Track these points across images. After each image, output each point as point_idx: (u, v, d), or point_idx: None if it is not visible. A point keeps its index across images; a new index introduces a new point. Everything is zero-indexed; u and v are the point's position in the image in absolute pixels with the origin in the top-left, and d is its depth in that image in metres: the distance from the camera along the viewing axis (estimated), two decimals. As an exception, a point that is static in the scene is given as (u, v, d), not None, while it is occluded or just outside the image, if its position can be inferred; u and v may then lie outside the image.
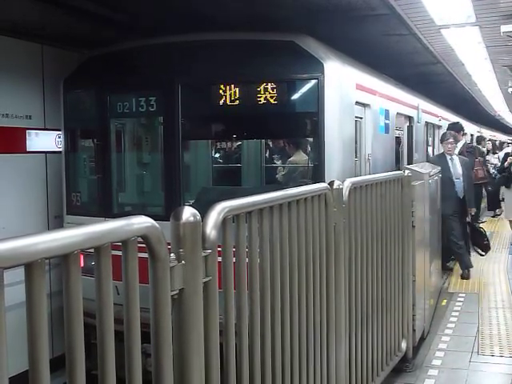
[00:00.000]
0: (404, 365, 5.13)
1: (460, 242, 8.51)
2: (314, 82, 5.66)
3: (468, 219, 8.80)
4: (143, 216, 1.78)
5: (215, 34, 5.91)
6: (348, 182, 3.67)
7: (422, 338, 5.76)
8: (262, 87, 5.64)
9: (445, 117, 13.18)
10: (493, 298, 7.55)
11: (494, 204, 15.18)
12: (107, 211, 6.21)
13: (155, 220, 1.80)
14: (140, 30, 7.03)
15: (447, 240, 8.41)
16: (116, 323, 1.67)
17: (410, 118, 9.60)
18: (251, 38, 5.91)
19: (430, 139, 11.99)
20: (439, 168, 7.81)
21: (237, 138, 7.79)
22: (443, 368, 5.19)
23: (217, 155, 8.71)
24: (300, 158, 7.09)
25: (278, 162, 8.32)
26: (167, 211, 5.23)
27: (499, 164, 12.95)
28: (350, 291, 3.73)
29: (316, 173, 5.76)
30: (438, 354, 5.54)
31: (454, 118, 13.87)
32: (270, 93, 5.64)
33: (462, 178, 8.61)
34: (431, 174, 6.62)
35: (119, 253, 1.72)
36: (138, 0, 6.57)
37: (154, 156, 7.04)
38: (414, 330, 5.27)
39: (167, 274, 1.84)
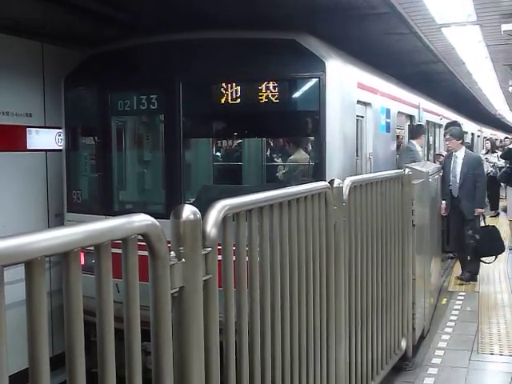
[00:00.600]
0: (404, 363, 5.13)
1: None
2: (315, 80, 5.65)
3: (481, 222, 8.29)
4: (143, 214, 1.78)
5: (216, 33, 5.91)
6: (348, 181, 3.66)
7: (422, 337, 5.76)
8: (263, 86, 5.64)
9: (446, 115, 13.16)
10: (493, 296, 7.55)
11: (496, 202, 15.16)
12: (108, 209, 6.22)
13: (155, 218, 1.80)
14: (142, 28, 7.03)
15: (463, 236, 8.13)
16: (116, 321, 1.68)
17: (411, 117, 9.60)
18: (252, 37, 5.90)
19: (431, 138, 11.98)
20: (439, 166, 7.78)
21: (238, 136, 7.79)
22: (443, 366, 5.19)
23: (218, 153, 8.71)
24: (300, 156, 7.09)
25: (279, 161, 8.32)
26: (168, 209, 5.23)
27: (499, 164, 12.94)
28: (350, 290, 3.73)
29: (317, 171, 5.76)
30: (437, 352, 5.54)
31: (455, 117, 13.85)
32: (271, 91, 5.63)
33: (458, 177, 8.21)
34: (431, 172, 6.61)
35: (119, 251, 1.72)
36: (140, -1, 6.58)
37: (155, 154, 7.04)
38: (413, 329, 5.26)
39: (167, 272, 1.84)
